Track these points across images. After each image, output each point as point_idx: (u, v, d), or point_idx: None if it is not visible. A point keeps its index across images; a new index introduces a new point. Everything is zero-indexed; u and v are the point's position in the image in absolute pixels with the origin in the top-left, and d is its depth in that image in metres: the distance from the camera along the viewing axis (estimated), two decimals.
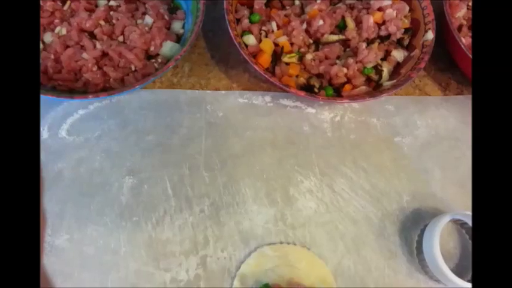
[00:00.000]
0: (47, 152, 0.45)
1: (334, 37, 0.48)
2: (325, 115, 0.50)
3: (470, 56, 0.47)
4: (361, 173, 0.48)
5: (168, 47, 0.48)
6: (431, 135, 0.51)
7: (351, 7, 0.50)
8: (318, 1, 0.49)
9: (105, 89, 0.46)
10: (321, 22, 0.48)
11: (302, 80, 0.47)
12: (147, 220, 0.43)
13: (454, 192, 0.48)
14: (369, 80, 0.49)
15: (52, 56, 0.46)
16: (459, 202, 0.47)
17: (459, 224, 0.46)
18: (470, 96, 0.54)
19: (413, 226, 0.46)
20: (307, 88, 0.47)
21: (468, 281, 0.40)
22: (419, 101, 0.53)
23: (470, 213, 0.42)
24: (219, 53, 0.53)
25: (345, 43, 0.49)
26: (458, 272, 0.42)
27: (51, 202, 0.43)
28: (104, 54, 0.47)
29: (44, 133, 0.46)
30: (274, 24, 0.48)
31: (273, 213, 0.45)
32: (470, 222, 0.42)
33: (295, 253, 0.42)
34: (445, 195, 0.48)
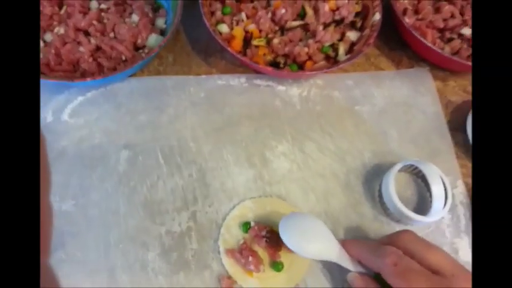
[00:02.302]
0: (52, 133, 0.51)
1: (296, 23, 0.56)
2: (294, 91, 0.58)
3: (415, 34, 0.55)
4: (327, 137, 0.55)
5: (153, 39, 0.55)
6: (387, 103, 0.58)
7: None
8: None
9: None
10: (283, 11, 0.56)
11: (269, 58, 0.54)
12: (143, 184, 0.50)
13: (408, 149, 0.55)
14: (328, 58, 0.56)
15: (53, 51, 0.53)
16: (414, 156, 0.54)
17: (414, 174, 0.53)
18: (420, 68, 0.62)
19: (374, 178, 0.53)
20: (274, 64, 0.54)
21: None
22: (376, 75, 0.61)
23: (417, 160, 0.49)
24: (198, 44, 0.60)
25: (306, 27, 0.57)
26: (417, 213, 0.48)
27: (57, 174, 0.49)
28: (98, 48, 0.54)
29: (49, 117, 0.52)
30: (243, 15, 0.56)
31: (253, 173, 0.51)
32: (419, 166, 0.49)
33: (272, 204, 0.49)
34: (401, 152, 0.55)
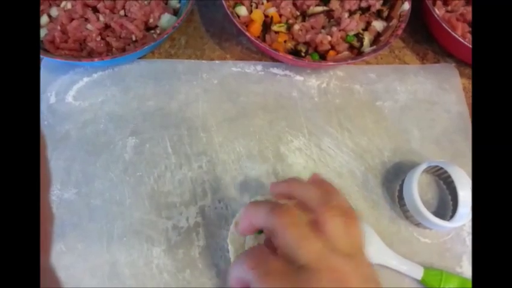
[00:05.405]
0: (54, 115, 0.48)
1: (319, 8, 0.52)
2: (313, 82, 0.54)
3: (445, 26, 0.52)
4: (346, 133, 0.52)
5: (166, 19, 0.52)
6: (410, 100, 0.55)
7: None
8: None
9: None
10: None
11: (290, 45, 0.51)
12: (150, 175, 0.47)
13: (431, 149, 0.52)
14: (351, 48, 0.53)
15: (59, 27, 0.49)
16: (436, 157, 0.51)
17: (436, 175, 0.50)
18: (446, 64, 0.58)
19: (394, 179, 0.50)
20: (294, 53, 0.51)
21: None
22: (399, 69, 0.57)
23: (444, 161, 0.47)
24: (213, 27, 0.57)
25: (329, 14, 0.53)
26: (437, 217, 0.45)
27: (59, 160, 0.46)
28: (107, 26, 0.51)
29: (52, 98, 0.49)
30: None
31: (266, 168, 0.49)
32: (446, 169, 0.46)
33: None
34: (423, 151, 0.52)
